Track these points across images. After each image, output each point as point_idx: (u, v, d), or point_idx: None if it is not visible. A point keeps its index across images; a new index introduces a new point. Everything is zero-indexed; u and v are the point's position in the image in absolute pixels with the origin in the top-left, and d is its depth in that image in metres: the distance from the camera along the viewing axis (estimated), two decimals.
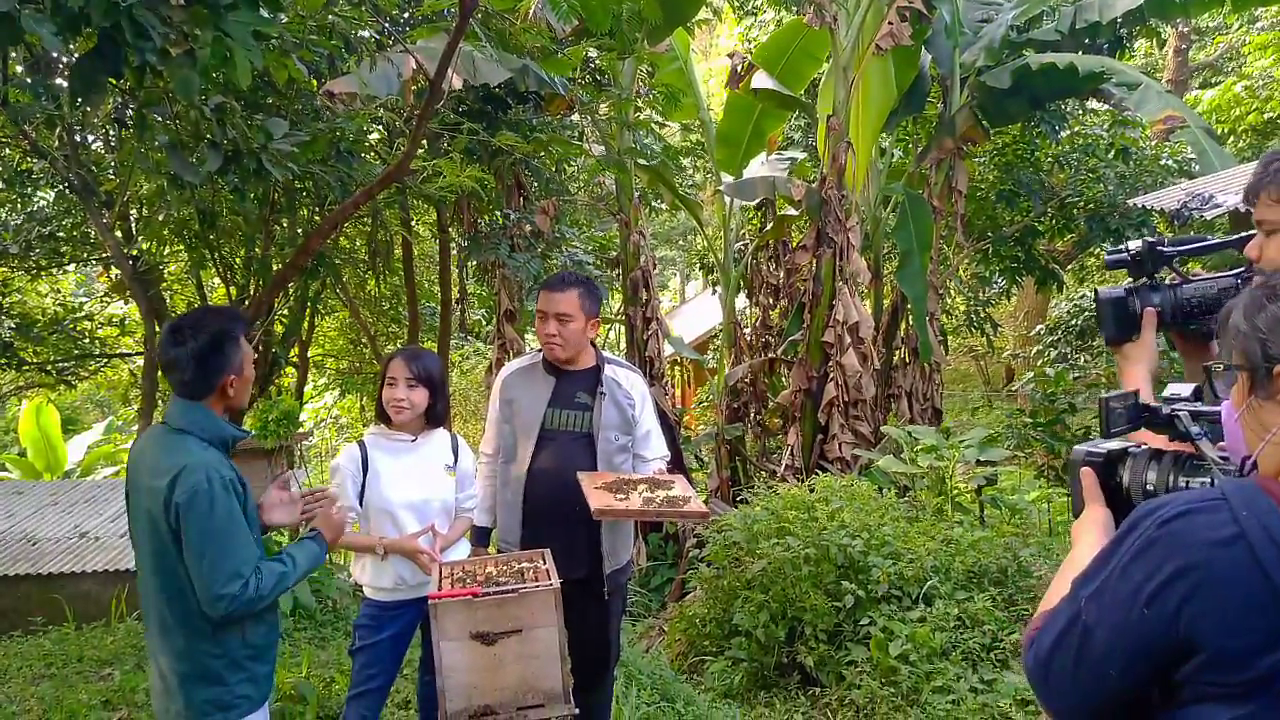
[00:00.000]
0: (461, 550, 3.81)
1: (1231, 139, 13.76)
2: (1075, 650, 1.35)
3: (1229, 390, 1.47)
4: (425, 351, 3.91)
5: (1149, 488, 1.56)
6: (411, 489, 3.62)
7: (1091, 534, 1.57)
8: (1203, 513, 1.28)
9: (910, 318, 9.41)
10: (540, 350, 3.82)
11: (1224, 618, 1.23)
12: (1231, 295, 1.84)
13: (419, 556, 3.51)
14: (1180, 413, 1.58)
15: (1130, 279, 2.02)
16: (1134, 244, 1.99)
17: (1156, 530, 1.30)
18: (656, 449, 3.82)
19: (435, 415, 3.70)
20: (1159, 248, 1.97)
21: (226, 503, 2.54)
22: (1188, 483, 1.52)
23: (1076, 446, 1.68)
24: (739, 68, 9.39)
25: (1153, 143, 10.45)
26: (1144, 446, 1.61)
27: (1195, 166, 9.16)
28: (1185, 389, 1.65)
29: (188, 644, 2.61)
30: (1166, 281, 1.99)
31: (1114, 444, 1.63)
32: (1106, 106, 9.91)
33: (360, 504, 3.59)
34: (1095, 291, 2.05)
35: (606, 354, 3.87)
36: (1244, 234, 1.91)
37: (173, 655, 2.62)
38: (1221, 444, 1.51)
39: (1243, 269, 1.90)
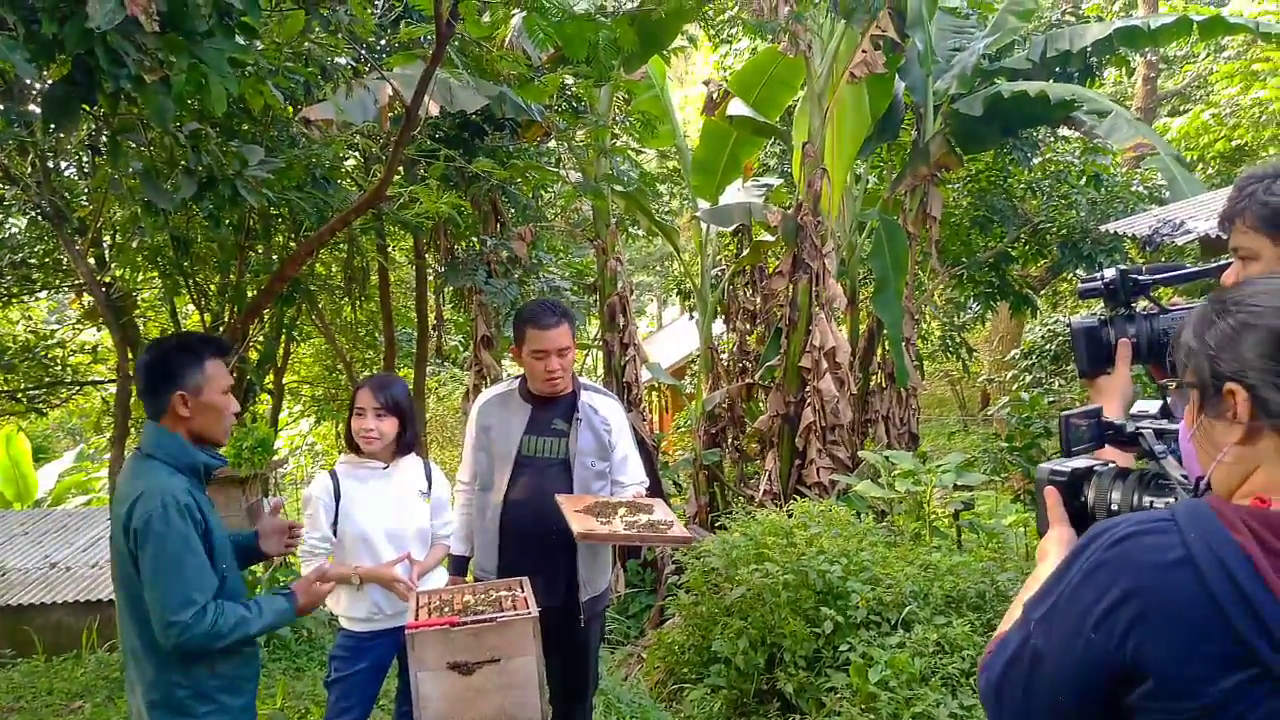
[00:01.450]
0: (438, 578, 3.78)
1: (1200, 166, 13.96)
2: (1025, 675, 1.32)
3: (1184, 410, 1.44)
4: (393, 379, 3.89)
5: (1113, 507, 1.52)
6: (386, 516, 3.59)
7: (1055, 554, 1.52)
8: (1151, 534, 1.24)
9: (886, 343, 9.45)
10: (517, 378, 3.80)
11: (1171, 643, 1.19)
12: None
13: (396, 585, 3.48)
14: (1145, 430, 1.54)
15: (1105, 309, 1.96)
16: (1108, 273, 1.93)
17: (1105, 552, 1.26)
18: (634, 474, 3.80)
19: (405, 443, 3.67)
20: (1134, 277, 1.92)
21: (182, 528, 2.48)
22: (1152, 503, 1.48)
23: (1041, 465, 1.64)
24: (715, 95, 9.45)
25: (1123, 170, 10.58)
26: (1110, 465, 1.57)
27: (1166, 193, 9.29)
28: (1153, 406, 1.62)
29: (156, 674, 2.57)
30: (1142, 312, 1.92)
31: (1079, 463, 1.59)
32: (1078, 134, 10.03)
33: (334, 533, 3.56)
34: (1069, 322, 2.01)
35: (583, 380, 3.86)
36: (1220, 262, 1.88)
37: (144, 683, 2.59)
38: None
39: None
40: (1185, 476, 1.45)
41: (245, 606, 2.62)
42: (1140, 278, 1.92)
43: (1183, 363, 1.37)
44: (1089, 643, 1.24)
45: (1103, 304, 1.96)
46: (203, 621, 2.47)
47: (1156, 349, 1.89)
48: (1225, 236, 1.87)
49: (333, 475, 3.65)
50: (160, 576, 2.46)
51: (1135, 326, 1.90)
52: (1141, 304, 1.95)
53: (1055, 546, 1.55)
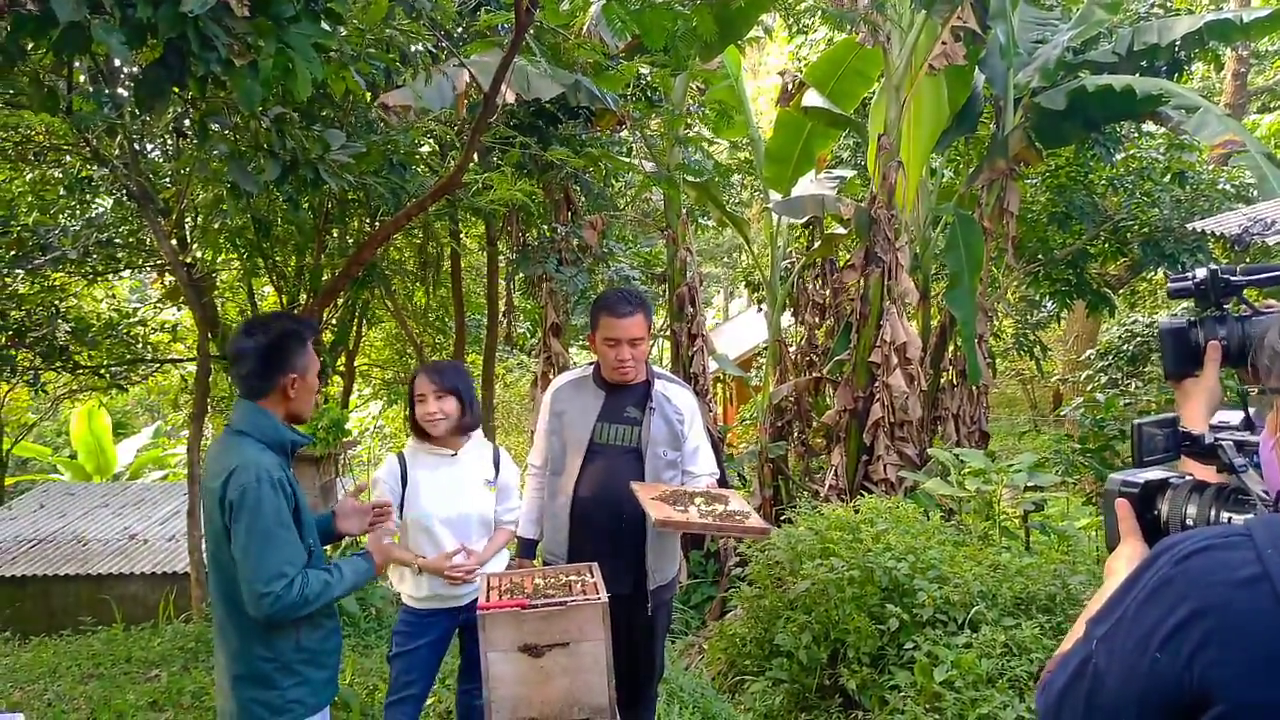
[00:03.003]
0: (500, 563, 3.82)
1: None
2: (1086, 695, 1.25)
3: (1266, 418, 1.36)
4: (446, 363, 3.97)
5: (1188, 522, 1.43)
6: (449, 504, 3.65)
7: (1125, 571, 1.42)
8: (1223, 549, 1.16)
9: (958, 339, 9.32)
10: (591, 363, 3.81)
11: (1242, 667, 1.10)
12: None
13: (451, 574, 3.54)
14: (1224, 442, 1.44)
15: (1195, 309, 1.87)
16: (1199, 272, 1.83)
17: (1172, 568, 1.18)
18: (705, 465, 3.79)
19: (467, 423, 3.72)
20: (1225, 277, 1.81)
21: (275, 502, 2.56)
22: (1230, 519, 1.38)
23: (1112, 475, 1.54)
24: (790, 86, 9.38)
25: (1210, 167, 10.28)
26: (1187, 477, 1.48)
27: (1254, 192, 9.01)
28: (1235, 416, 1.52)
29: (241, 644, 2.64)
30: (1235, 314, 1.82)
31: (1154, 474, 1.50)
32: (1163, 130, 9.78)
33: (399, 516, 3.62)
34: (1157, 321, 1.94)
35: (656, 369, 3.86)
36: None
37: (228, 655, 2.66)
38: None
39: None
40: (1266, 492, 1.35)
41: (328, 571, 2.70)
42: (1233, 278, 1.82)
43: (1266, 367, 1.30)
44: (1154, 663, 1.16)
45: (1192, 304, 1.87)
46: (290, 592, 2.53)
47: (1248, 353, 1.79)
48: None
49: (400, 459, 3.72)
50: (253, 548, 2.53)
51: (1226, 329, 1.81)
52: (1234, 305, 1.84)
53: (1125, 563, 1.47)
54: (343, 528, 2.95)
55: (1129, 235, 10.32)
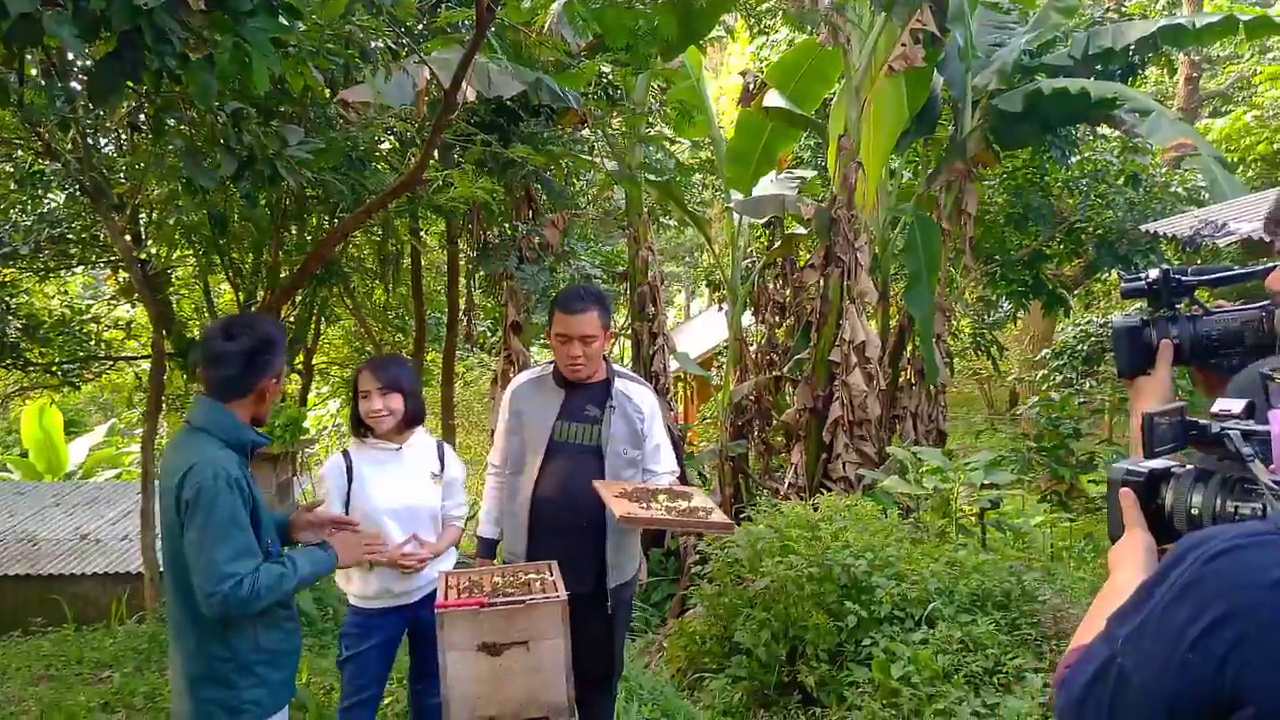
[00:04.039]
0: (449, 561, 3.78)
1: (1241, 168, 13.77)
2: (1111, 695, 1.24)
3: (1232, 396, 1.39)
4: (390, 358, 3.94)
5: (1194, 511, 1.44)
6: (397, 498, 3.61)
7: (1131, 561, 1.45)
8: (1253, 549, 1.15)
9: (916, 339, 9.40)
10: (551, 362, 3.81)
11: (1275, 669, 1.10)
12: (1256, 328, 1.78)
13: (403, 561, 3.50)
14: (1230, 431, 1.43)
15: (1147, 309, 1.92)
16: (1152, 273, 1.89)
17: (1201, 567, 1.17)
18: (666, 463, 3.80)
19: (410, 418, 3.68)
20: (1177, 277, 1.88)
21: (231, 501, 2.53)
22: (1237, 508, 1.39)
23: (1114, 465, 1.56)
24: (751, 86, 9.43)
25: (1163, 170, 10.46)
26: (1189, 466, 1.49)
27: (1205, 195, 9.17)
28: (1237, 405, 1.51)
29: (198, 645, 2.61)
30: (1186, 313, 1.88)
31: (1156, 463, 1.51)
32: (1117, 133, 9.92)
33: (346, 513, 3.54)
34: (1110, 321, 1.99)
35: (617, 367, 3.86)
36: (1268, 265, 1.81)
37: (185, 655, 2.63)
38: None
39: (1268, 301, 1.80)
40: (1277, 482, 1.35)
41: (279, 562, 2.67)
42: (1185, 279, 1.88)
43: None
44: (1184, 665, 1.15)
45: (1145, 304, 1.92)
46: (240, 590, 2.50)
47: (1200, 351, 1.86)
48: (1272, 239, 1.82)
49: (346, 455, 3.66)
50: (206, 546, 2.50)
51: (1178, 328, 1.87)
52: (1185, 305, 1.90)
53: (1133, 553, 1.47)
54: (297, 538, 2.92)
55: (1084, 236, 10.48)
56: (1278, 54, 14.46)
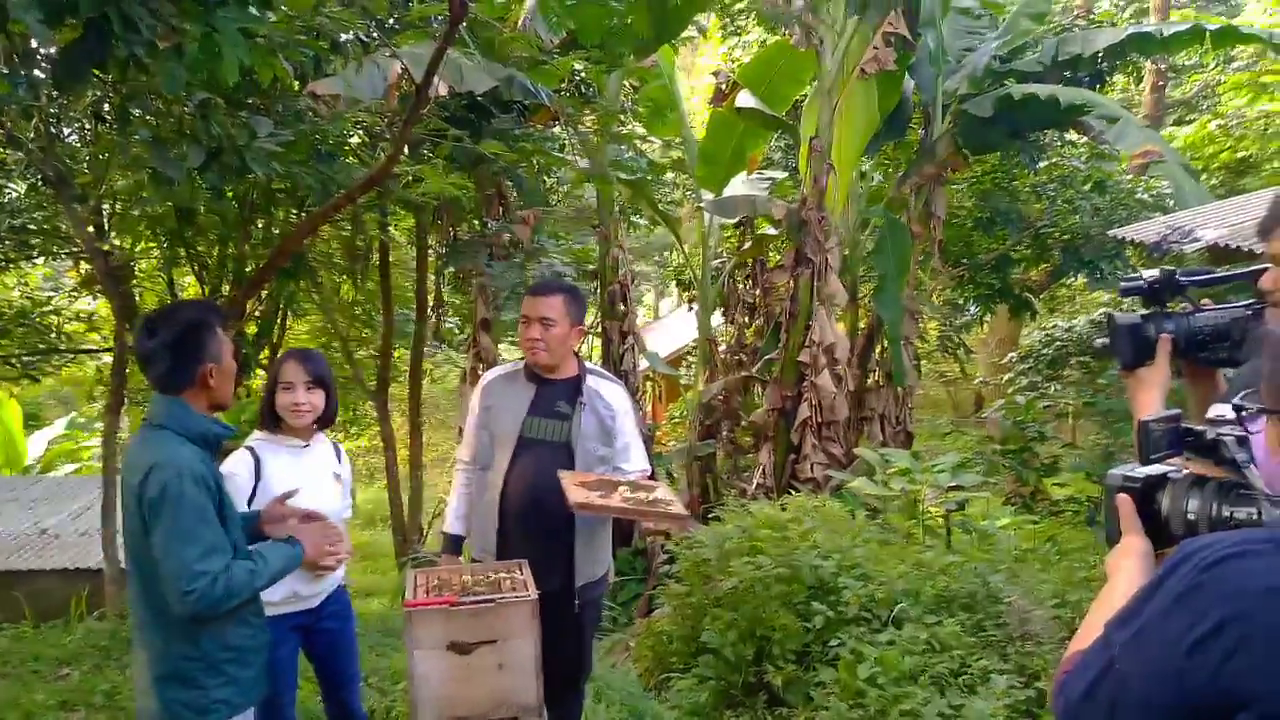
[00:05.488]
0: (341, 567, 3.50)
1: (1205, 176, 13.95)
2: (1109, 700, 1.25)
3: (1235, 399, 1.42)
4: (315, 352, 3.79)
5: (1190, 517, 1.45)
6: (306, 495, 3.36)
7: (1129, 567, 1.46)
8: (1251, 556, 1.17)
9: (885, 341, 9.45)
10: (523, 359, 3.79)
11: (1273, 674, 1.11)
12: (1243, 325, 1.93)
13: (324, 561, 3.08)
14: (1225, 438, 1.47)
15: (1143, 307, 2.07)
16: (1150, 273, 2.04)
17: (1199, 574, 1.18)
18: (637, 462, 3.78)
19: (327, 416, 3.56)
20: (1179, 278, 2.03)
21: (197, 498, 2.48)
22: (1232, 513, 1.41)
23: (1111, 471, 1.58)
24: (723, 86, 9.42)
25: (1128, 176, 10.57)
26: (1184, 472, 1.52)
27: (1171, 201, 9.28)
28: (1230, 410, 1.54)
29: (165, 644, 2.56)
30: (1179, 311, 2.04)
31: (1152, 469, 1.54)
32: (1084, 139, 10.02)
33: (249, 507, 3.30)
34: (1110, 317, 2.10)
35: (590, 365, 3.85)
36: (1256, 268, 1.97)
37: (150, 655, 2.57)
38: None
39: (1253, 300, 1.96)
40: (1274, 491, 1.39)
41: (249, 558, 2.61)
42: (1180, 279, 2.03)
43: (1265, 385, 1.33)
44: (1182, 670, 1.17)
45: (1141, 302, 2.07)
46: (214, 589, 2.45)
47: (1193, 345, 2.01)
48: (1262, 247, 1.96)
49: (252, 451, 3.47)
50: (175, 546, 2.44)
51: (1174, 324, 2.01)
52: (1176, 303, 2.05)
53: (1130, 558, 1.49)
54: (270, 533, 2.83)
55: (1050, 241, 10.58)
56: (1241, 64, 14.64)
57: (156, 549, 2.47)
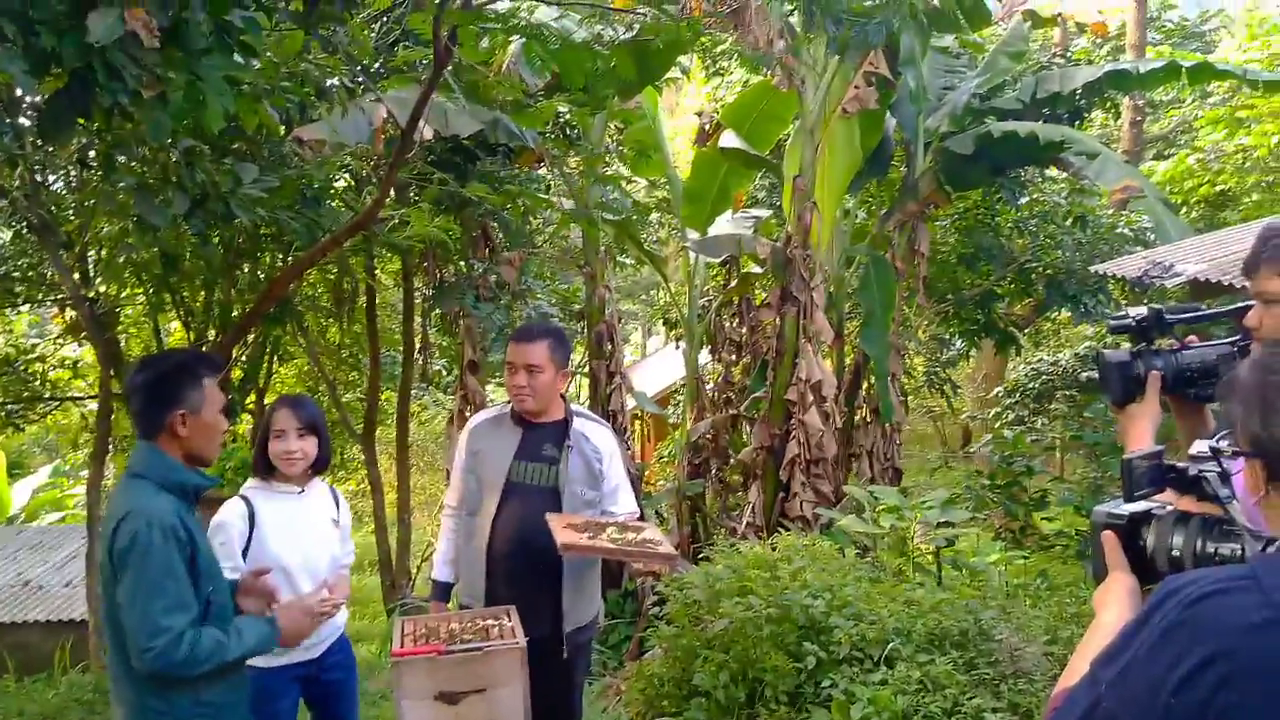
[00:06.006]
0: (343, 614, 3.57)
1: (1184, 210, 14.08)
2: None
3: (1212, 440, 1.43)
4: (306, 398, 3.78)
5: (1174, 553, 1.46)
6: (302, 545, 3.41)
7: (1115, 604, 1.47)
8: (1232, 594, 1.18)
9: (872, 378, 9.46)
10: (509, 402, 3.78)
11: (1263, 710, 1.12)
12: (1229, 362, 1.97)
13: (321, 607, 3.07)
14: (1208, 474, 1.48)
15: (1131, 344, 2.11)
16: (1138, 311, 2.08)
17: (1182, 612, 1.19)
18: (625, 504, 3.76)
19: (321, 463, 3.55)
20: (1168, 316, 2.07)
21: (164, 551, 2.41)
22: (1216, 549, 1.42)
23: (1097, 508, 1.59)
24: (707, 126, 9.51)
25: (1109, 211, 10.67)
26: (1169, 508, 1.52)
27: (1151, 235, 9.36)
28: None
29: (136, 698, 2.50)
30: (1167, 348, 2.08)
31: (1137, 505, 1.54)
32: (1065, 175, 10.12)
33: (245, 562, 3.29)
34: (1099, 354, 2.15)
35: (575, 407, 3.84)
36: (1241, 305, 2.03)
37: (124, 709, 2.52)
38: None
39: (1239, 336, 2.01)
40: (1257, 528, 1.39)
41: (224, 631, 2.54)
42: (1168, 317, 2.08)
43: (1240, 428, 1.34)
44: (1169, 708, 1.16)
45: (1128, 339, 2.12)
46: (178, 649, 2.38)
47: (1181, 381, 2.05)
48: (1247, 283, 2.02)
49: (245, 500, 3.43)
50: (138, 599, 2.39)
51: (1162, 360, 2.05)
52: (1164, 340, 2.10)
53: (1115, 595, 1.49)
54: (243, 606, 2.76)
55: (1034, 276, 10.65)
56: (1217, 99, 14.84)
57: (123, 601, 2.42)
